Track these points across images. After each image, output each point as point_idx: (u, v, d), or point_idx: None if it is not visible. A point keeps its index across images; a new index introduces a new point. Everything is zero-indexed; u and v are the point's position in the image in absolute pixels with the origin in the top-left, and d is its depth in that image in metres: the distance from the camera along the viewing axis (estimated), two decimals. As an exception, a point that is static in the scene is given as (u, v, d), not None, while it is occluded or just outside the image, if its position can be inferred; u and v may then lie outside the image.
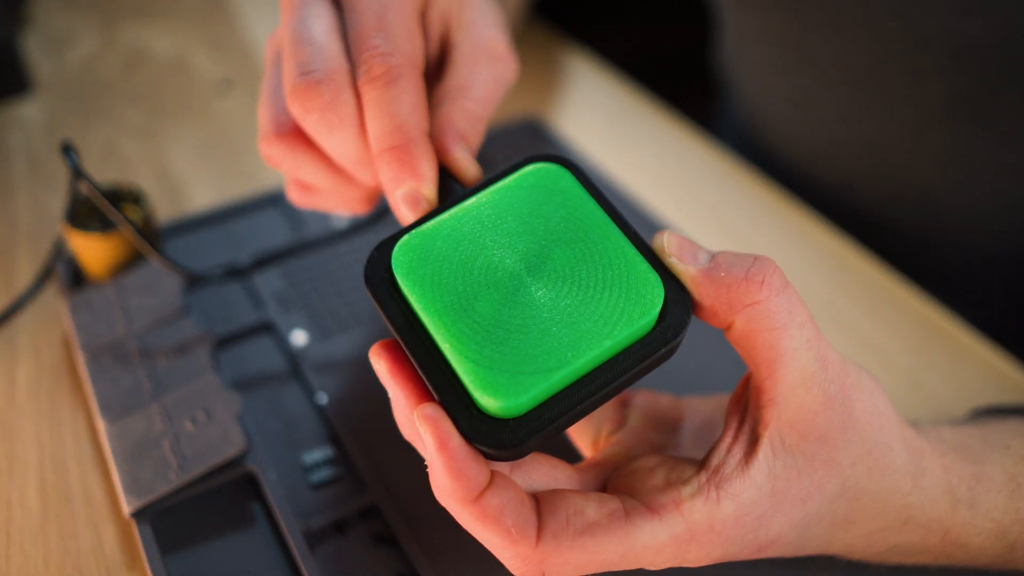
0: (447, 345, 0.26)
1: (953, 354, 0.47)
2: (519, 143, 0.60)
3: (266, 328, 0.47)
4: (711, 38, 0.77)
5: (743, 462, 0.28)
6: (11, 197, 0.57)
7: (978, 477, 0.32)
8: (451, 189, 0.31)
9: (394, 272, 0.28)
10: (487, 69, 0.35)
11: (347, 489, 0.40)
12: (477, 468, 0.25)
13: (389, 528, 0.38)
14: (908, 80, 0.52)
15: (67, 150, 0.43)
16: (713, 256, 0.28)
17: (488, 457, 0.26)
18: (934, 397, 0.45)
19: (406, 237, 0.29)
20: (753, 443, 0.28)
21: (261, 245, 0.52)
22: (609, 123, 0.65)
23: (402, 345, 0.27)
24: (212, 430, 0.40)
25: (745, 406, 0.29)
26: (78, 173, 0.41)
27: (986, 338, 0.48)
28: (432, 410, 0.26)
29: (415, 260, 0.28)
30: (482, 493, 0.26)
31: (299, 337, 0.46)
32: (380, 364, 0.28)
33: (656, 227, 0.54)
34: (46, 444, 0.42)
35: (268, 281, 0.50)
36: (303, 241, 0.52)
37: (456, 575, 0.36)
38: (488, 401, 0.25)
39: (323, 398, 0.43)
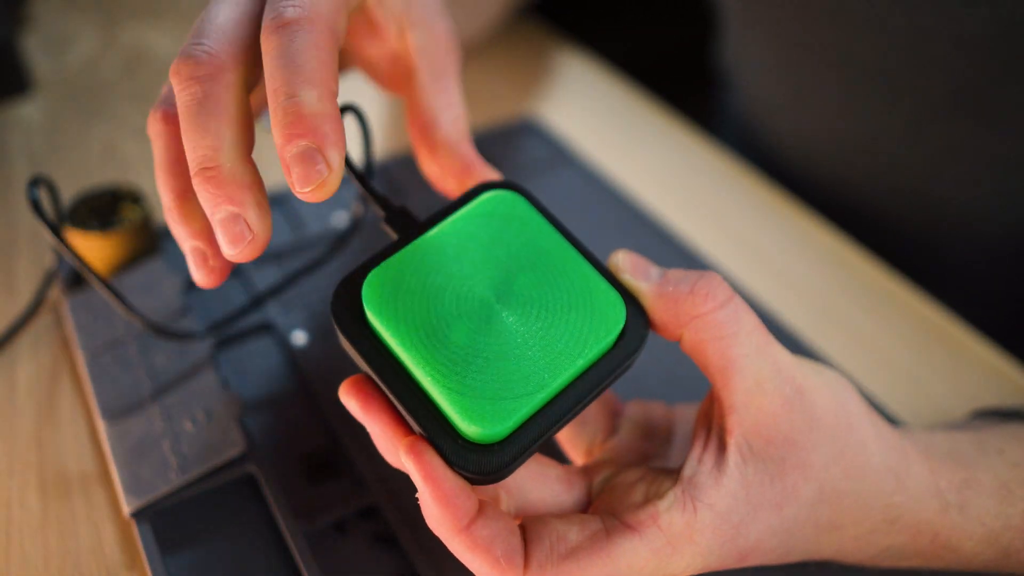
0: (428, 378, 0.27)
1: (953, 354, 0.47)
2: (519, 143, 0.60)
3: (266, 328, 0.47)
4: (710, 38, 0.77)
5: (715, 471, 0.28)
6: (11, 197, 0.57)
7: (968, 482, 0.32)
8: (410, 220, 0.32)
9: (365, 307, 0.28)
10: (452, 68, 0.36)
11: (347, 489, 0.40)
12: (465, 497, 0.26)
13: (389, 528, 0.38)
14: (909, 73, 0.52)
15: (34, 183, 0.39)
16: (664, 273, 0.29)
17: (475, 482, 0.27)
18: (934, 397, 0.45)
19: (375, 271, 0.29)
20: (722, 451, 0.29)
21: (261, 245, 0.52)
22: (608, 122, 0.65)
23: (376, 379, 0.28)
24: (212, 430, 0.40)
25: (711, 418, 0.30)
26: (37, 209, 0.38)
27: (986, 337, 0.48)
28: (416, 443, 0.26)
29: (385, 294, 0.28)
30: (472, 522, 0.26)
31: (299, 337, 0.47)
32: (352, 403, 0.28)
33: (655, 228, 0.54)
34: (46, 444, 0.42)
35: (268, 281, 0.50)
36: (303, 241, 0.52)
37: (456, 575, 0.36)
38: (473, 429, 0.26)
39: (323, 398, 0.43)
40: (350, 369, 0.45)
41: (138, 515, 0.37)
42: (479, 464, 0.26)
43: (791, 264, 0.53)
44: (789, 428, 0.28)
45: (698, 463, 0.29)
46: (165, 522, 0.38)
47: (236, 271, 0.51)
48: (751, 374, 0.28)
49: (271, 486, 0.38)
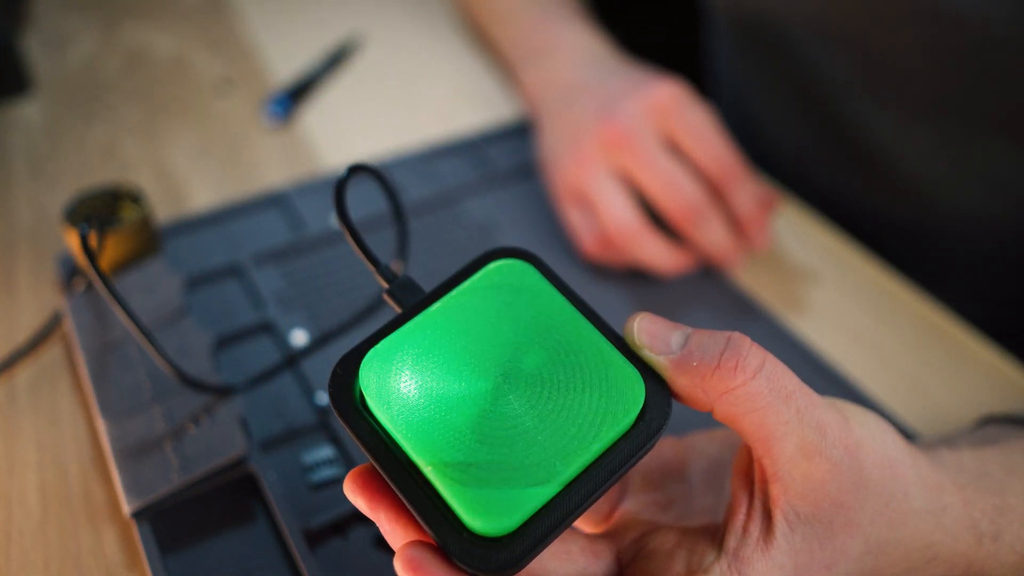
0: (428, 468, 0.25)
1: (953, 354, 0.47)
2: (518, 143, 0.60)
3: (266, 328, 0.47)
4: (702, 36, 0.77)
5: (761, 542, 0.27)
6: (11, 197, 0.57)
7: (1000, 509, 0.31)
8: (414, 293, 0.30)
9: (363, 390, 0.26)
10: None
11: (347, 489, 0.40)
12: None
13: (389, 528, 0.38)
14: (896, 77, 0.53)
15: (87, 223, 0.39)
16: (687, 338, 0.27)
17: None
18: (934, 397, 0.45)
19: (371, 352, 0.27)
20: (767, 520, 0.27)
21: (261, 245, 0.52)
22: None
23: (377, 467, 0.26)
24: (213, 431, 0.40)
25: (751, 479, 0.28)
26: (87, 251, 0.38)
27: (985, 336, 0.48)
28: (414, 552, 0.24)
29: (383, 377, 0.27)
30: None
31: (299, 337, 0.46)
32: (358, 500, 0.26)
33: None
34: (46, 444, 0.42)
35: (268, 281, 0.50)
36: (303, 241, 0.52)
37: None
38: (479, 523, 0.24)
39: (323, 398, 0.43)
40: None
41: (138, 515, 0.37)
42: (485, 560, 0.24)
43: (790, 263, 0.53)
44: (837, 491, 0.27)
45: (743, 533, 0.27)
46: (165, 522, 0.38)
47: (236, 271, 0.51)
48: (793, 442, 0.26)
49: (271, 486, 0.38)
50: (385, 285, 0.30)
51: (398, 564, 0.25)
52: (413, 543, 0.25)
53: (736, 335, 0.26)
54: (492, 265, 0.29)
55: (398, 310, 0.29)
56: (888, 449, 0.29)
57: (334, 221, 0.54)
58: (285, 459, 0.41)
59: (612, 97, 0.52)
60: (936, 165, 0.55)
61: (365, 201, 0.55)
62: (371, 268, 0.30)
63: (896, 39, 0.52)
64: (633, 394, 0.26)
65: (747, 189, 0.49)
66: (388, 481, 0.26)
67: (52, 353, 0.47)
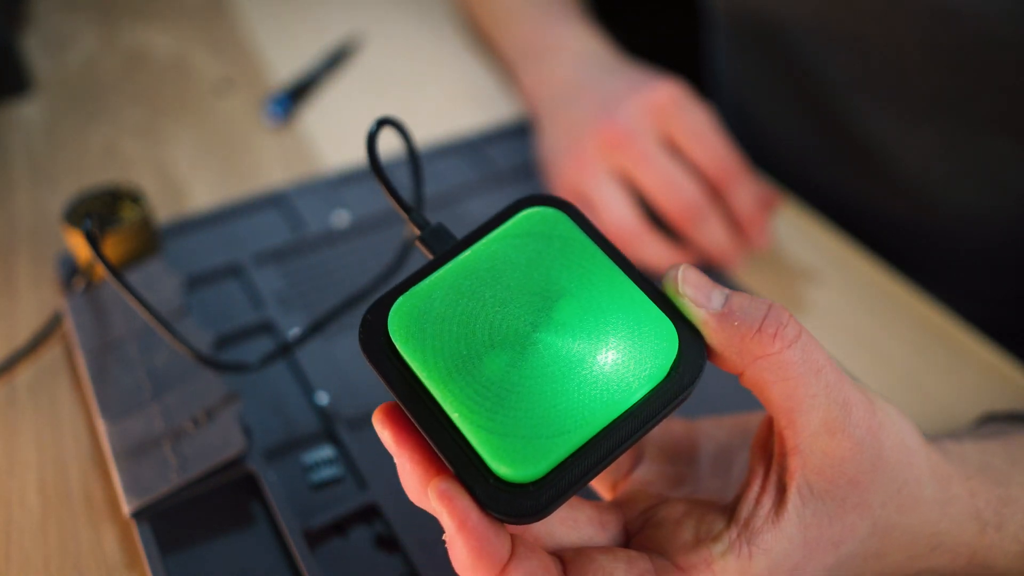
0: (456, 414, 0.25)
1: (953, 354, 0.47)
2: (518, 143, 0.60)
3: (266, 328, 0.47)
4: (702, 36, 0.77)
5: (773, 514, 0.27)
6: (11, 197, 0.57)
7: (1004, 500, 0.31)
8: (446, 240, 0.29)
9: (392, 336, 0.26)
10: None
11: (347, 489, 0.40)
12: (499, 542, 0.24)
13: (390, 528, 0.38)
14: (896, 76, 0.53)
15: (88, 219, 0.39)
16: (727, 298, 0.26)
17: (506, 523, 0.25)
18: (934, 397, 0.45)
19: (401, 299, 0.27)
20: (781, 492, 0.27)
21: (261, 245, 0.52)
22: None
23: (406, 412, 0.26)
24: (212, 430, 0.40)
25: (769, 452, 0.28)
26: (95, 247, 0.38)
27: (985, 336, 0.48)
28: (447, 485, 0.24)
29: (413, 323, 0.26)
30: (505, 567, 0.25)
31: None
32: (385, 433, 0.26)
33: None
34: (46, 444, 0.42)
35: (268, 281, 0.50)
36: (303, 241, 0.52)
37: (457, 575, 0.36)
38: (505, 470, 0.24)
39: (323, 398, 0.43)
40: (350, 369, 0.45)
41: (138, 515, 0.37)
42: (511, 506, 0.24)
43: (790, 263, 0.53)
44: (855, 470, 0.27)
45: (755, 504, 0.27)
46: (165, 522, 0.38)
47: (235, 270, 0.51)
48: (818, 416, 0.26)
49: (271, 486, 0.38)
50: (417, 232, 0.30)
51: (432, 493, 0.25)
52: (446, 477, 0.25)
53: (777, 304, 0.26)
54: (525, 212, 0.29)
55: (430, 257, 0.29)
56: (906, 437, 0.29)
57: (334, 220, 0.54)
58: (285, 459, 0.41)
59: (612, 97, 0.52)
60: (936, 164, 0.55)
61: (367, 201, 0.55)
62: (403, 215, 0.30)
63: (896, 38, 0.52)
64: (666, 346, 0.26)
65: (747, 189, 0.49)
66: (416, 425, 0.26)
67: (52, 353, 0.47)
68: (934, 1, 0.49)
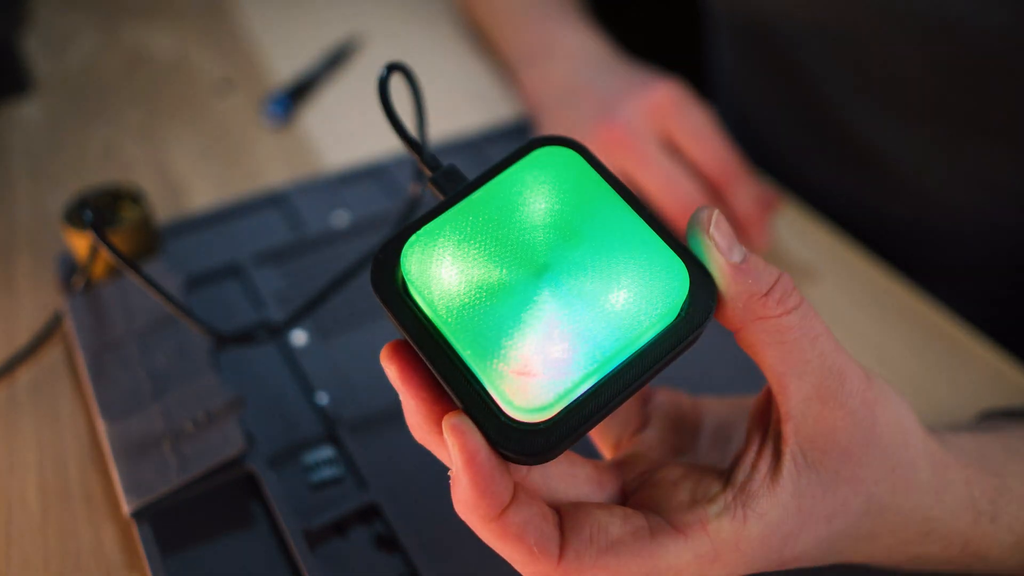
0: (468, 352, 0.25)
1: (954, 355, 0.47)
2: (518, 143, 0.60)
3: (266, 328, 0.47)
4: (702, 36, 0.77)
5: (768, 479, 0.27)
6: (11, 197, 0.57)
7: (999, 490, 0.31)
8: (458, 181, 0.29)
9: (404, 275, 0.26)
10: None
11: (347, 489, 0.40)
12: (503, 484, 0.25)
13: (390, 528, 0.38)
14: (894, 81, 0.53)
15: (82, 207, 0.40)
16: (745, 255, 0.26)
17: (515, 462, 0.25)
18: (935, 398, 0.45)
19: (413, 237, 0.27)
20: (777, 459, 0.27)
21: (261, 245, 0.52)
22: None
23: (417, 350, 0.26)
24: (212, 430, 0.40)
25: (767, 420, 0.29)
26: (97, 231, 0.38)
27: (985, 336, 0.48)
28: (459, 420, 0.25)
29: (425, 261, 0.26)
30: (505, 509, 0.25)
31: (299, 337, 0.46)
32: (391, 368, 0.26)
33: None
34: (46, 444, 0.42)
35: (268, 281, 0.50)
36: (303, 241, 0.52)
37: (457, 575, 0.36)
38: (516, 409, 0.24)
39: (323, 398, 0.43)
40: (350, 369, 0.45)
41: (138, 515, 0.37)
42: (522, 445, 0.24)
43: (790, 263, 0.53)
44: (848, 441, 0.27)
45: (751, 469, 0.28)
46: (165, 522, 0.38)
47: (235, 270, 0.51)
48: (811, 382, 0.27)
49: (271, 486, 0.38)
50: (429, 173, 0.29)
51: (445, 427, 0.25)
52: (458, 412, 0.25)
53: (786, 274, 0.27)
54: (536, 152, 0.28)
55: (441, 198, 0.28)
56: (903, 418, 0.29)
57: (334, 220, 0.54)
58: (285, 459, 0.41)
59: (611, 97, 0.52)
60: (933, 167, 0.55)
61: (367, 201, 0.55)
62: (415, 156, 0.30)
63: (893, 44, 0.52)
64: (677, 287, 0.26)
65: (747, 189, 0.49)
66: (428, 364, 0.26)
67: (52, 353, 0.47)
68: (932, 15, 0.49)
